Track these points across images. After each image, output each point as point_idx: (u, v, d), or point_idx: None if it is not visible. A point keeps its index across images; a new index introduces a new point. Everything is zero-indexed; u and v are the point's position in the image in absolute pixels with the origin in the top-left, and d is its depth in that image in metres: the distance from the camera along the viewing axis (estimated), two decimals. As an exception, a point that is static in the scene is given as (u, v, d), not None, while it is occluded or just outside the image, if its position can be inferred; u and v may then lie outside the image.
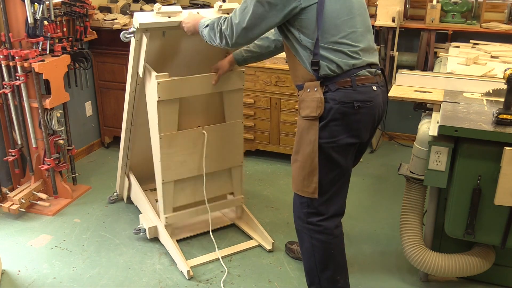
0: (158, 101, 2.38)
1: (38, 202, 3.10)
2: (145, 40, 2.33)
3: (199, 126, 2.59)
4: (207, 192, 2.64)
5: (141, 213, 2.92)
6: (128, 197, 3.16)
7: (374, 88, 1.95)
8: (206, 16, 2.24)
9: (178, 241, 2.72)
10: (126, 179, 3.11)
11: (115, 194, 3.22)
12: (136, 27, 2.29)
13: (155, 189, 3.33)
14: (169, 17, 2.31)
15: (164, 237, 2.67)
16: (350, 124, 1.92)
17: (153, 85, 2.37)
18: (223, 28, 1.95)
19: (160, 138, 2.45)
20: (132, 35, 2.34)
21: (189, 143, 2.55)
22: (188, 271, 2.46)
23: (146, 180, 3.10)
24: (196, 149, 2.58)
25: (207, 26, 2.06)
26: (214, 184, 2.72)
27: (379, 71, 2.01)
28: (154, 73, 2.36)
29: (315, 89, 1.91)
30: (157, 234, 2.74)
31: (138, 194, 2.99)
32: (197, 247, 2.74)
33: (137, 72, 2.54)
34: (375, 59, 2.00)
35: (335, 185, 2.04)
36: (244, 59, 2.43)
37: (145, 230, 2.74)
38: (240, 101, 2.68)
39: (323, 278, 2.12)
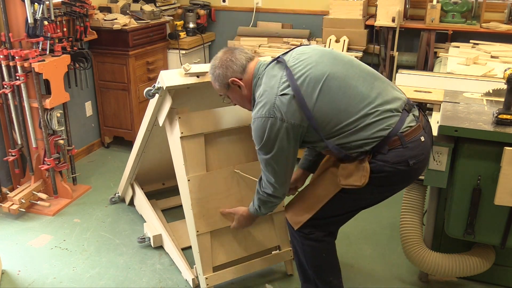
0: (181, 137, 2.17)
1: (38, 202, 3.10)
2: (169, 98, 2.18)
3: (229, 166, 2.33)
4: (248, 246, 2.34)
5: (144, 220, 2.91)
6: (131, 201, 3.15)
7: (422, 138, 1.79)
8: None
9: (183, 249, 2.67)
10: (130, 187, 3.10)
11: (116, 195, 3.22)
12: (161, 87, 2.14)
13: (156, 191, 3.35)
14: (198, 76, 2.17)
15: (169, 245, 2.61)
16: (402, 179, 1.84)
17: (174, 121, 2.20)
18: (269, 192, 1.91)
19: (189, 180, 2.19)
20: (157, 93, 2.17)
21: (222, 185, 2.27)
22: (193, 279, 2.41)
23: (148, 182, 3.10)
24: (230, 193, 2.29)
25: (259, 206, 2.02)
26: (256, 235, 2.38)
27: (416, 109, 1.84)
28: (175, 109, 2.19)
29: (361, 156, 1.75)
30: (161, 242, 2.71)
31: (142, 203, 2.95)
32: None
33: (156, 116, 2.38)
34: (400, 101, 1.80)
35: (339, 222, 2.00)
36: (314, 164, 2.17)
37: (149, 238, 2.71)
38: None
39: (316, 278, 2.09)
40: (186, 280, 2.45)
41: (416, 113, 1.83)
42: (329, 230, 1.99)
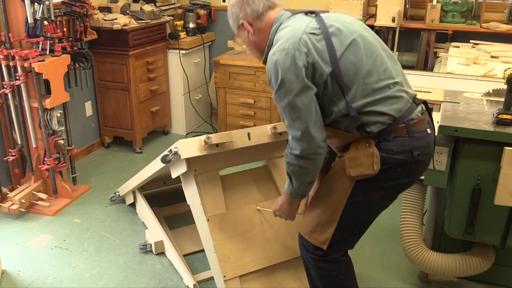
0: (195, 175, 2.09)
1: (38, 202, 3.10)
2: (185, 166, 2.11)
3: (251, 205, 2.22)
4: None
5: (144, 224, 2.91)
6: (132, 204, 3.16)
7: (429, 131, 1.72)
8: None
9: (184, 255, 2.66)
10: (132, 193, 3.10)
11: (116, 193, 3.22)
12: (179, 155, 2.05)
13: (157, 191, 3.35)
14: (217, 145, 2.06)
15: (171, 252, 2.58)
16: (406, 172, 1.70)
17: (182, 162, 2.12)
18: (290, 162, 1.66)
19: (208, 220, 2.07)
20: (174, 158, 2.10)
21: (245, 224, 2.12)
22: (194, 285, 2.37)
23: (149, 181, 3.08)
24: (255, 232, 2.12)
25: (290, 179, 1.73)
26: (290, 278, 2.15)
27: (422, 105, 1.76)
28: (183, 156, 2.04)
29: (367, 144, 1.64)
30: (163, 249, 2.68)
31: (145, 210, 2.93)
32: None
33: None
34: (412, 91, 1.74)
35: (358, 233, 1.85)
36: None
37: (151, 245, 2.69)
38: None
39: None
40: (187, 286, 2.45)
41: (423, 107, 1.75)
42: (345, 247, 1.84)
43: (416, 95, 1.76)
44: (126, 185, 3.05)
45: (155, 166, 2.49)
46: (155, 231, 2.76)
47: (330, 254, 1.80)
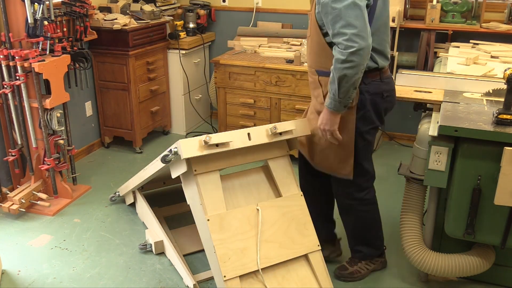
0: (195, 175, 2.09)
1: (38, 202, 3.10)
2: (185, 165, 2.11)
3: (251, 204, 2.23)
4: None
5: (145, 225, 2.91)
6: (132, 204, 3.16)
7: (393, 78, 2.27)
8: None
9: (184, 255, 2.66)
10: (132, 194, 3.10)
11: (116, 193, 3.22)
12: (179, 155, 2.06)
13: (157, 191, 3.35)
14: (217, 145, 2.08)
15: (171, 252, 2.59)
16: (380, 111, 2.20)
17: (182, 162, 2.12)
18: (347, 59, 1.88)
19: (208, 220, 2.07)
20: (174, 158, 2.09)
21: (245, 224, 2.13)
22: (194, 285, 2.38)
23: (149, 181, 3.08)
24: (255, 232, 2.14)
25: (338, 91, 1.96)
26: (292, 280, 2.16)
27: None
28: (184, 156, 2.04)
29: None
30: (163, 249, 2.69)
31: (145, 210, 2.93)
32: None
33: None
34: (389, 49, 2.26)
35: (368, 160, 2.31)
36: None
37: (151, 245, 2.70)
38: (290, 170, 2.30)
39: (368, 238, 2.45)
40: (187, 286, 2.44)
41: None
42: (371, 177, 2.34)
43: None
44: (126, 185, 3.05)
45: (155, 166, 2.49)
46: (155, 231, 2.76)
47: (366, 198, 2.34)
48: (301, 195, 2.28)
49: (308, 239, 2.22)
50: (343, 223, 2.49)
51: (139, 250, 2.72)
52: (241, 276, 2.05)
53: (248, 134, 2.15)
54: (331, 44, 2.00)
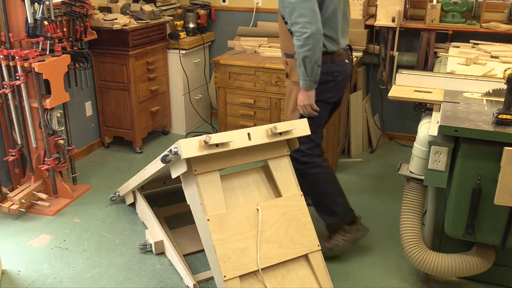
0: (195, 175, 2.09)
1: (38, 202, 3.10)
2: (185, 166, 2.11)
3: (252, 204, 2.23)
4: None
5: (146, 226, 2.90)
6: (132, 204, 3.16)
7: (346, 61, 2.58)
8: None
9: (184, 255, 2.66)
10: (131, 194, 3.10)
11: (116, 193, 3.22)
12: (179, 155, 2.06)
13: (157, 191, 3.35)
14: (217, 145, 2.08)
15: (171, 252, 2.59)
16: (329, 88, 2.50)
17: (182, 162, 2.12)
18: (303, 50, 2.29)
19: (208, 220, 2.07)
20: (174, 158, 2.10)
21: (245, 224, 2.13)
22: (194, 285, 2.38)
23: (149, 181, 3.07)
24: (255, 232, 2.14)
25: (305, 72, 2.35)
26: (292, 280, 2.16)
27: (348, 47, 2.63)
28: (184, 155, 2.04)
29: None
30: (163, 249, 2.69)
31: (145, 210, 2.92)
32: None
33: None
34: (347, 41, 2.62)
35: (315, 130, 2.50)
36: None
37: (151, 245, 2.69)
38: (290, 171, 2.31)
39: (328, 205, 2.64)
40: (187, 286, 2.44)
41: (348, 47, 2.63)
42: (313, 144, 2.57)
43: (347, 43, 2.62)
44: (126, 185, 3.05)
45: (155, 166, 2.49)
46: (155, 231, 2.76)
47: (314, 161, 2.59)
48: (301, 195, 2.28)
49: (308, 239, 2.21)
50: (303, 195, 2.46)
51: (139, 250, 2.73)
52: (241, 276, 2.05)
53: (248, 134, 2.15)
54: (290, 31, 2.38)
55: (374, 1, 3.85)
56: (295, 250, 2.18)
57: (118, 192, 3.21)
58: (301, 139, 2.41)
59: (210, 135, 2.05)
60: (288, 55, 2.52)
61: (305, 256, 2.20)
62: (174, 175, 2.24)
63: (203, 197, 2.09)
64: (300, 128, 2.29)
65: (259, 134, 2.19)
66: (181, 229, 2.90)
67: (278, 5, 2.43)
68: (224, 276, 2.01)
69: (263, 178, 2.31)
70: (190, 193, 2.19)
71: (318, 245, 2.22)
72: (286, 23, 2.40)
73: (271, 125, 2.20)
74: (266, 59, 3.68)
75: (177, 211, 3.09)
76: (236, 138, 2.12)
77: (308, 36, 2.26)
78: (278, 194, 2.27)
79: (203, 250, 2.43)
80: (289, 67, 2.55)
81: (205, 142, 2.03)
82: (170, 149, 2.07)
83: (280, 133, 2.22)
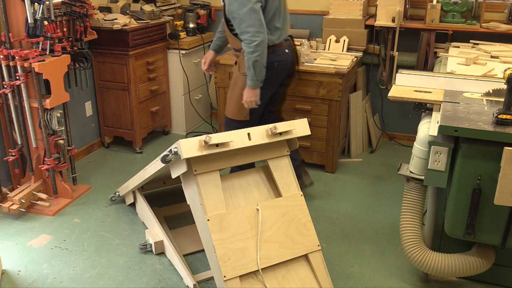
0: (195, 175, 2.09)
1: (38, 202, 3.10)
2: (185, 166, 2.12)
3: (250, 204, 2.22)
4: None
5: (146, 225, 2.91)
6: (132, 204, 3.16)
7: (287, 50, 2.86)
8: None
9: (184, 255, 2.66)
10: (132, 194, 3.10)
11: (116, 193, 3.22)
12: (179, 155, 2.06)
13: (157, 191, 3.35)
14: (217, 145, 2.09)
15: (171, 252, 2.59)
16: (272, 75, 2.79)
17: (182, 162, 2.12)
18: (253, 56, 2.60)
19: (208, 220, 2.06)
20: (174, 158, 2.10)
21: (245, 224, 2.12)
22: (194, 285, 2.38)
23: (149, 181, 3.06)
24: (255, 232, 2.13)
25: (254, 74, 2.66)
26: (292, 279, 2.16)
27: (289, 38, 2.94)
28: (184, 152, 2.04)
29: None
30: (163, 249, 2.68)
31: (144, 210, 2.92)
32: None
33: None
34: (288, 32, 2.93)
35: (257, 113, 2.91)
36: (220, 48, 3.17)
37: (151, 245, 2.69)
38: (290, 171, 2.31)
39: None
40: (187, 286, 2.44)
41: (289, 38, 2.95)
42: (243, 124, 2.75)
43: (288, 34, 2.93)
44: (126, 185, 3.05)
45: (155, 166, 2.49)
46: (155, 231, 2.76)
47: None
48: (301, 195, 2.28)
49: (308, 239, 2.21)
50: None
51: (139, 250, 2.73)
52: (241, 276, 2.04)
53: (248, 134, 2.16)
54: (234, 34, 2.71)
55: (374, 1, 3.85)
56: (295, 250, 2.17)
57: (118, 192, 3.21)
58: (235, 124, 2.80)
59: (210, 135, 2.06)
60: (237, 50, 2.82)
61: (305, 256, 2.19)
62: (174, 175, 2.24)
63: (203, 197, 2.09)
64: (300, 128, 2.29)
65: (259, 134, 2.19)
66: (181, 229, 2.89)
67: (224, 10, 2.69)
68: (224, 276, 2.01)
69: (263, 178, 2.31)
70: (190, 193, 2.19)
71: (318, 245, 2.22)
72: (230, 25, 2.71)
73: (271, 125, 2.21)
74: (266, 59, 3.68)
75: (177, 211, 3.08)
76: (236, 138, 2.13)
77: (258, 44, 2.55)
78: (278, 194, 2.27)
79: (203, 250, 2.45)
80: (239, 59, 2.81)
81: (205, 142, 2.03)
82: (170, 149, 2.07)
83: (280, 133, 2.22)
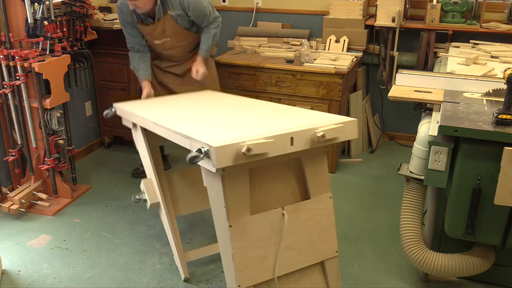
0: (222, 175, 1.80)
1: (38, 202, 3.10)
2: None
3: (276, 208, 1.96)
4: None
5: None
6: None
7: None
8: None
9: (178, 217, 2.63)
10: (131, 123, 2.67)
11: (112, 109, 2.78)
12: (209, 158, 1.75)
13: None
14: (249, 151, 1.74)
15: (164, 217, 2.46)
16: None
17: (212, 153, 1.72)
18: (217, 30, 3.10)
19: (230, 226, 1.85)
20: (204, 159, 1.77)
21: (267, 230, 1.93)
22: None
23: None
24: (277, 239, 1.95)
25: (210, 45, 3.10)
26: (304, 284, 2.07)
27: None
28: (212, 141, 1.73)
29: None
30: (158, 208, 2.53)
31: (144, 152, 2.57)
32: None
33: None
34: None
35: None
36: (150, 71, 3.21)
37: (146, 200, 2.50)
38: (325, 169, 2.05)
39: None
40: (175, 263, 2.47)
41: None
42: None
43: None
44: (128, 110, 2.64)
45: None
46: (153, 185, 2.52)
47: None
48: (330, 197, 2.08)
49: (327, 244, 2.07)
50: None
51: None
52: (256, 286, 1.94)
53: (292, 139, 1.84)
54: (195, 31, 3.08)
55: (374, 1, 3.85)
56: (313, 257, 2.05)
57: (115, 107, 2.78)
58: None
59: (249, 144, 1.73)
60: (193, 50, 3.20)
61: (321, 263, 2.09)
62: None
63: (228, 200, 1.85)
64: (348, 131, 1.96)
65: (303, 140, 1.87)
66: (180, 176, 2.72)
67: (177, 26, 2.97)
68: (239, 286, 1.90)
69: (293, 173, 2.04)
70: (213, 191, 1.94)
71: (336, 251, 2.10)
72: (190, 30, 3.05)
73: (318, 132, 1.87)
74: (266, 59, 3.68)
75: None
76: (277, 143, 1.81)
77: (220, 23, 3.11)
78: (306, 194, 2.06)
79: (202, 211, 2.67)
80: (210, 52, 3.19)
81: (244, 154, 1.73)
82: (200, 149, 1.75)
83: (327, 139, 1.90)
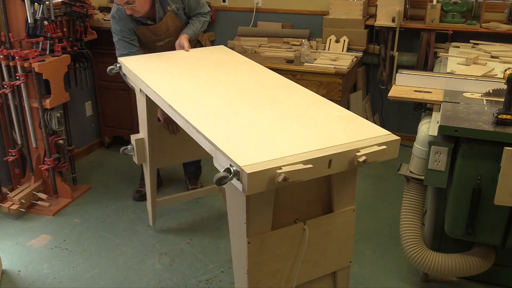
0: (247, 196, 1.61)
1: (38, 202, 3.10)
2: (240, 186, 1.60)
3: (296, 220, 1.81)
4: None
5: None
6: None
7: None
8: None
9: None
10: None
11: (117, 65, 2.71)
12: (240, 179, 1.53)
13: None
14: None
15: (147, 169, 2.72)
16: None
17: (243, 178, 1.50)
18: (207, 20, 3.11)
19: (249, 243, 1.70)
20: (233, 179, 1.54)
21: (285, 245, 1.81)
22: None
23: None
24: (294, 253, 1.83)
25: (198, 30, 3.06)
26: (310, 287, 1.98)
27: None
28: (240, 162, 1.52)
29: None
30: (144, 160, 2.73)
31: (142, 114, 2.66)
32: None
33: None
34: None
35: None
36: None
37: (133, 148, 2.74)
38: (353, 184, 1.87)
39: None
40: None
41: None
42: None
43: None
44: (134, 74, 2.51)
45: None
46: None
47: None
48: (354, 210, 1.92)
49: (342, 256, 1.96)
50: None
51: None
52: None
53: (330, 161, 1.64)
54: (187, 21, 3.05)
55: (374, 1, 3.85)
56: (326, 268, 1.95)
57: (120, 64, 2.69)
58: None
59: (286, 173, 1.50)
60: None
61: (333, 273, 2.00)
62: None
63: (250, 217, 1.69)
64: (391, 152, 1.74)
65: (342, 162, 1.67)
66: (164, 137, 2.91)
67: (176, 22, 2.96)
68: None
69: (319, 188, 1.88)
70: (234, 208, 1.77)
71: (350, 261, 1.99)
72: (183, 21, 3.03)
73: (360, 156, 1.64)
74: (266, 59, 3.68)
75: None
76: (315, 168, 1.61)
77: (209, 19, 3.13)
78: (329, 208, 1.91)
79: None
80: (196, 35, 3.14)
81: (279, 182, 1.52)
82: (229, 169, 1.53)
83: (364, 162, 1.66)
